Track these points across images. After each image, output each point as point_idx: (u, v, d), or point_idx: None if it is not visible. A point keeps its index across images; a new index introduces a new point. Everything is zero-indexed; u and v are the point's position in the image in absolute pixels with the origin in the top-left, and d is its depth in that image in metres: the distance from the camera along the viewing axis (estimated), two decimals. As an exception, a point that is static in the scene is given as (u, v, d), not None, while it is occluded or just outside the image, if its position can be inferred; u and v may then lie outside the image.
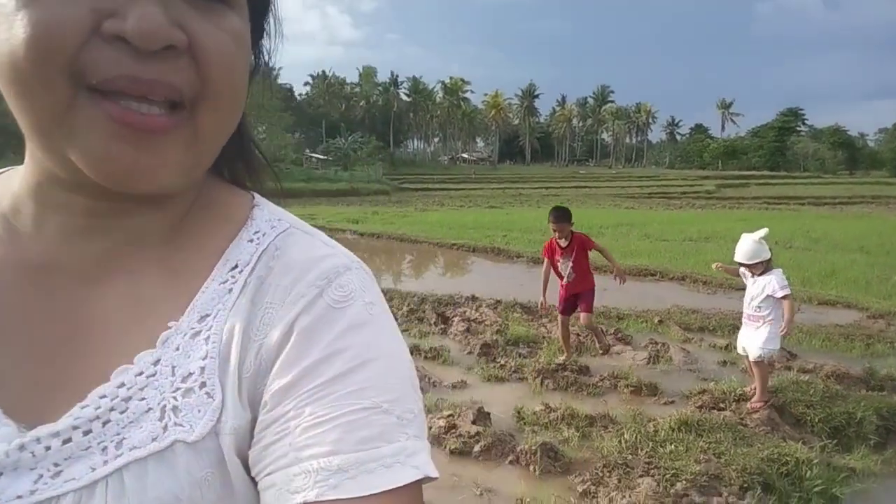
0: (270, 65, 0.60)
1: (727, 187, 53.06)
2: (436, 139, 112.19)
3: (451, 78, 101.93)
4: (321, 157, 68.22)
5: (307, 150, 72.54)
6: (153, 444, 0.45)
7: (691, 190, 49.40)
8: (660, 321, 7.23)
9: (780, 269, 4.49)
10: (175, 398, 0.46)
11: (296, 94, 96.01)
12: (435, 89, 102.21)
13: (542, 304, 5.77)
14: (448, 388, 5.08)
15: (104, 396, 0.46)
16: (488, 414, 4.32)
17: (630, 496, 3.21)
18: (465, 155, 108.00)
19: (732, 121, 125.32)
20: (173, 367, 0.47)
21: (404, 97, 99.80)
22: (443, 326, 7.06)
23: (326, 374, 0.46)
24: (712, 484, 3.30)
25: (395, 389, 0.47)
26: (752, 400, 4.37)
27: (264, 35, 0.56)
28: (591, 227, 18.74)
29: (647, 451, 3.67)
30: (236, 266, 0.52)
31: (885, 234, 16.66)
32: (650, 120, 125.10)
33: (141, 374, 0.47)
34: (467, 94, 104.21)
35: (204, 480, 0.46)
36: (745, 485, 3.30)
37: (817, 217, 25.29)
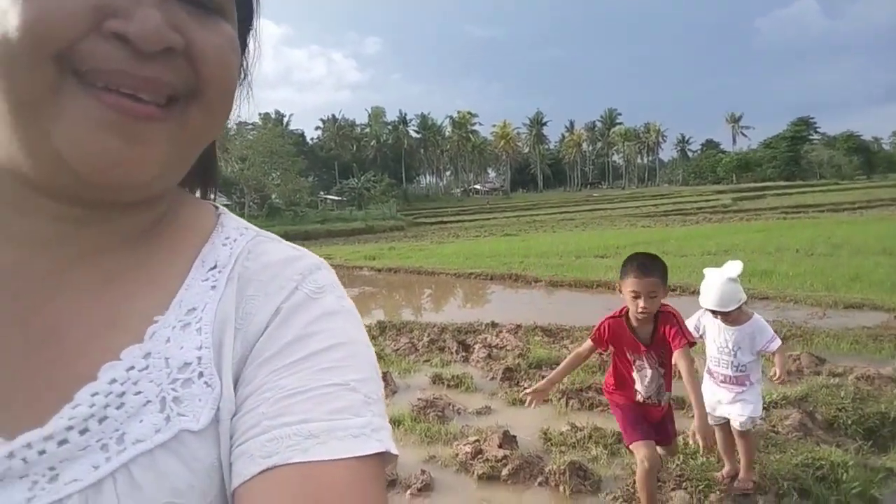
0: (249, 81, 0.62)
1: (743, 200, 52.72)
2: (447, 172, 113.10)
3: (458, 112, 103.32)
4: (335, 198, 69.15)
5: (321, 193, 73.55)
6: (158, 436, 0.45)
7: (707, 205, 49.15)
8: (683, 336, 7.14)
9: (758, 315, 3.46)
10: (174, 389, 0.47)
11: (308, 138, 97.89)
12: (443, 124, 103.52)
13: (532, 395, 3.30)
14: (473, 415, 5.04)
15: (96, 394, 0.45)
16: (514, 437, 4.28)
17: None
18: (477, 186, 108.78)
19: (743, 134, 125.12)
20: (167, 359, 0.48)
21: (414, 134, 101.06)
22: (464, 354, 7.04)
23: (301, 353, 0.49)
24: (747, 493, 3.23)
25: (362, 371, 0.51)
26: (740, 478, 3.37)
27: (247, 51, 0.60)
28: (608, 248, 18.68)
29: (678, 464, 3.61)
30: (215, 266, 0.55)
31: (909, 235, 16.39)
32: (660, 139, 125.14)
33: (132, 368, 0.47)
34: (475, 127, 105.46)
35: (213, 467, 0.47)
36: (781, 491, 3.23)
37: (837, 223, 24.98)
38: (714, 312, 3.34)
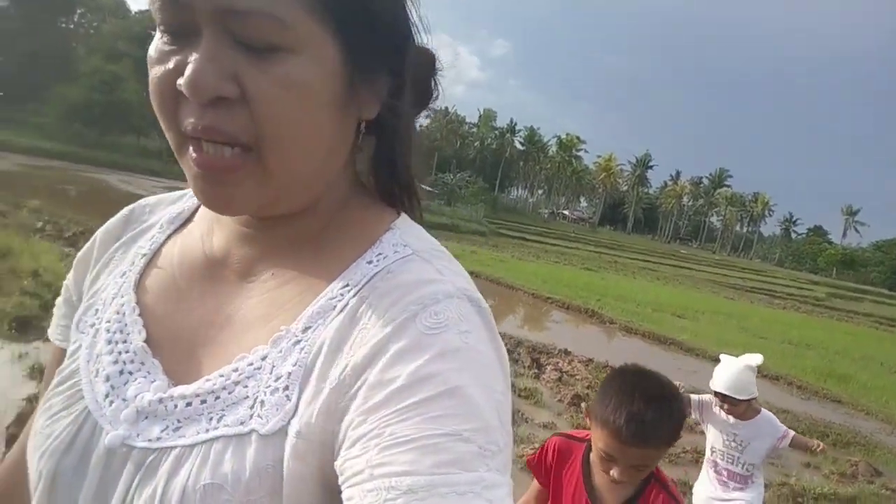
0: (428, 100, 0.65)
1: (838, 297, 50.05)
2: (540, 191, 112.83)
3: (567, 134, 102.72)
4: (428, 189, 70.08)
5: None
6: (239, 427, 0.51)
7: (799, 293, 47.03)
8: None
9: (766, 410, 3.23)
10: (265, 393, 0.52)
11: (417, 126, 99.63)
12: (549, 142, 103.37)
13: None
14: (539, 426, 5.57)
15: (223, 376, 0.54)
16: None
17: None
18: (565, 212, 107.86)
19: (856, 230, 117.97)
20: (273, 367, 0.53)
21: (518, 145, 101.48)
22: (536, 371, 7.56)
23: (411, 398, 0.47)
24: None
25: (480, 419, 0.47)
26: None
27: (400, 74, 0.58)
28: (687, 310, 18.57)
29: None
30: (347, 285, 0.56)
31: None
32: (766, 213, 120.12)
33: (251, 365, 0.54)
34: (580, 153, 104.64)
35: (265, 470, 0.50)
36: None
37: (935, 347, 23.62)
38: (722, 399, 3.09)
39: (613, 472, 1.63)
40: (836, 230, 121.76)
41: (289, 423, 0.50)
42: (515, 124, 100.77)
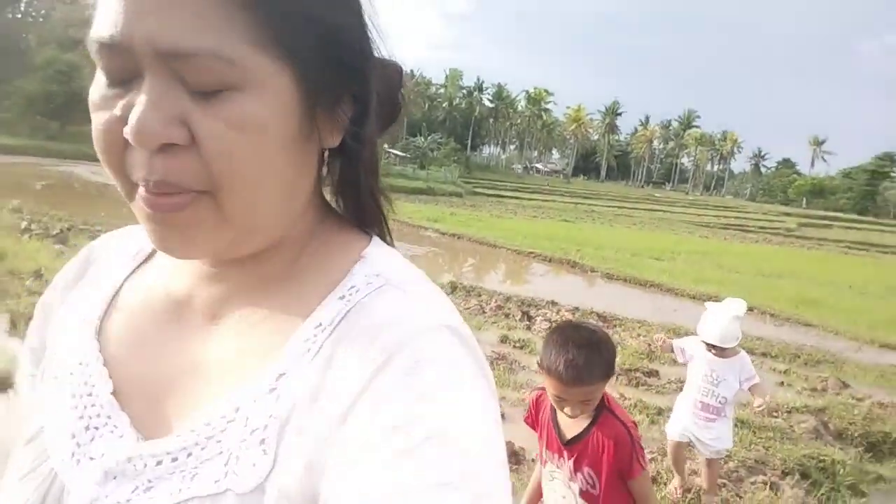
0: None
1: (809, 226, 51.56)
2: (512, 146, 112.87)
3: (535, 88, 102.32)
4: (400, 153, 70.12)
5: (385, 146, 74.33)
6: (213, 486, 0.48)
7: (770, 225, 48.36)
8: (725, 343, 7.93)
9: (744, 352, 3.68)
10: (240, 447, 0.48)
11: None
12: (518, 98, 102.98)
13: None
14: (534, 373, 5.99)
15: (193, 431, 0.50)
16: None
17: (689, 466, 4.05)
18: (538, 165, 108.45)
19: (823, 159, 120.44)
20: (247, 418, 0.49)
21: (487, 103, 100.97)
22: (527, 323, 7.99)
23: (393, 448, 0.43)
24: (758, 466, 4.12)
25: (469, 462, 0.44)
26: (706, 497, 3.71)
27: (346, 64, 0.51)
28: (664, 252, 19.21)
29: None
30: (320, 324, 0.52)
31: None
32: (735, 150, 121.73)
33: (223, 417, 0.50)
34: (549, 106, 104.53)
35: None
36: (786, 470, 4.09)
37: (899, 267, 24.73)
38: (710, 346, 3.49)
39: (566, 410, 2.03)
40: (805, 161, 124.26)
41: (266, 479, 0.47)
42: (483, 82, 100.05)
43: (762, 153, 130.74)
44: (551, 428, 2.20)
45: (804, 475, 4.12)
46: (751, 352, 7.54)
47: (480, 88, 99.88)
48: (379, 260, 0.57)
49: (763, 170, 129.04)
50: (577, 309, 8.96)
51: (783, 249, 28.76)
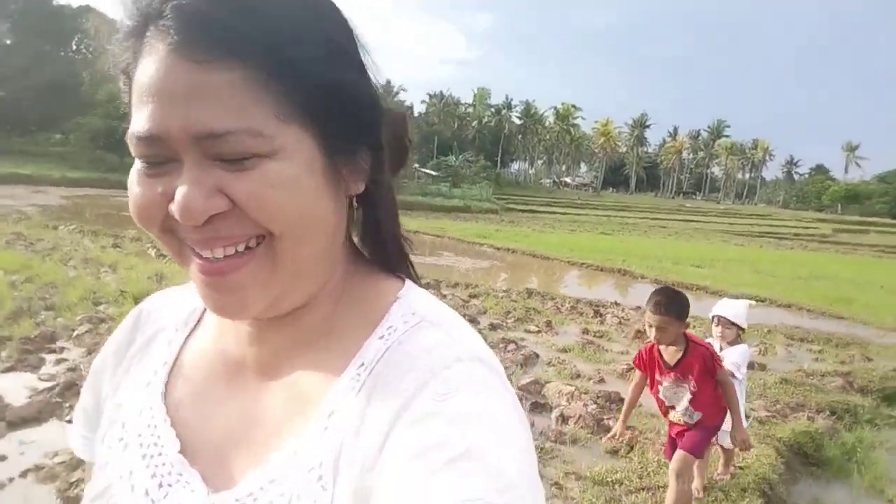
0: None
1: (844, 232, 51.95)
2: (540, 161, 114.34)
3: (562, 104, 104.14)
4: (432, 172, 71.83)
5: (416, 165, 76.36)
6: None
7: (805, 232, 48.92)
8: (768, 331, 9.45)
9: (746, 346, 4.16)
10: (300, 486, 0.51)
11: (414, 112, 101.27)
12: (546, 114, 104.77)
13: (619, 431, 3.61)
14: (616, 353, 7.59)
15: (256, 479, 0.54)
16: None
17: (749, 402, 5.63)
18: (567, 179, 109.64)
19: (857, 164, 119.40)
20: (304, 459, 0.53)
21: (515, 120, 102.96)
22: (600, 319, 9.62)
23: (427, 466, 0.45)
24: (799, 407, 5.69)
25: (501, 478, 0.45)
26: (721, 471, 4.18)
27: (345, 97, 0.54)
28: (703, 260, 20.59)
29: (760, 392, 6.08)
30: (363, 364, 0.55)
31: None
32: (767, 158, 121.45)
33: (283, 461, 0.54)
34: (577, 120, 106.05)
35: None
36: (819, 409, 5.65)
37: (935, 269, 25.54)
38: (717, 321, 4.10)
39: (653, 334, 3.24)
40: (838, 167, 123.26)
41: None
42: (511, 100, 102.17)
43: (795, 160, 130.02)
44: (659, 359, 3.37)
45: (832, 412, 5.67)
46: (789, 337, 9.08)
47: (509, 106, 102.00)
48: (414, 300, 0.61)
49: (796, 177, 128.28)
50: (638, 307, 10.53)
51: (819, 255, 29.72)
